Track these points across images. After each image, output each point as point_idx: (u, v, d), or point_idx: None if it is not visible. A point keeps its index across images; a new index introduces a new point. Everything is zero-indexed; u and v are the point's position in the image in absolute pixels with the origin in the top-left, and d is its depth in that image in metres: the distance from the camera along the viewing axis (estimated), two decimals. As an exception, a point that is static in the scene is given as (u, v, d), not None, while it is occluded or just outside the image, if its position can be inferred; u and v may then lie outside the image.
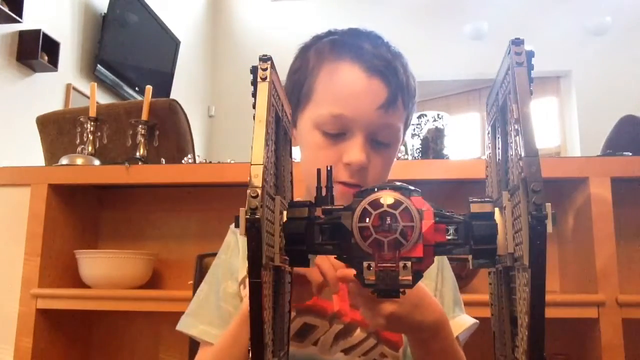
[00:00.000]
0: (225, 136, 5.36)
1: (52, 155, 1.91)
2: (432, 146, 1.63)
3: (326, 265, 0.63)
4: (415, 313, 0.66)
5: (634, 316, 1.33)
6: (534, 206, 0.35)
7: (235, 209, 0.38)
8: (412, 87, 0.81)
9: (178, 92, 4.58)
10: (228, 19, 5.78)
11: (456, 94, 5.66)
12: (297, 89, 0.81)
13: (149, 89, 1.77)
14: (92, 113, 1.73)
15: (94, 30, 3.85)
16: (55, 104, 3.40)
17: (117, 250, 1.57)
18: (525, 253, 0.36)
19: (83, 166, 1.59)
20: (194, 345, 0.96)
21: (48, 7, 3.38)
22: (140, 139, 1.71)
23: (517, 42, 0.41)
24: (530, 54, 0.41)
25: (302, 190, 0.83)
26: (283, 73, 0.78)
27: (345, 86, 0.77)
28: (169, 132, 1.79)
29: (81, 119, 1.75)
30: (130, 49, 4.19)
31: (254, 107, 0.42)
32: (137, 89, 4.16)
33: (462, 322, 0.85)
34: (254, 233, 0.37)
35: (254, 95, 0.42)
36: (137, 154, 1.69)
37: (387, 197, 0.42)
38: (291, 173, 0.56)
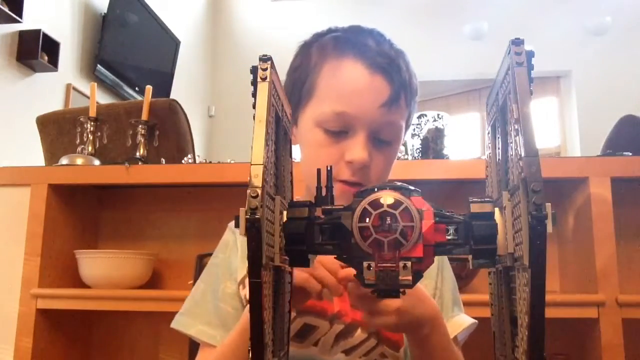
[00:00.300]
0: (225, 136, 5.36)
1: (52, 155, 1.91)
2: (432, 146, 1.63)
3: (322, 272, 0.63)
4: (416, 307, 0.67)
5: (634, 316, 1.33)
6: (534, 206, 0.35)
7: (235, 209, 0.38)
8: (414, 85, 0.81)
9: (178, 92, 4.58)
10: (228, 19, 5.78)
11: (456, 94, 5.66)
12: (298, 86, 0.81)
13: (149, 89, 1.77)
14: (92, 113, 1.73)
15: (94, 30, 3.85)
16: (55, 104, 3.40)
17: (117, 250, 1.57)
18: (525, 253, 0.36)
19: (83, 166, 1.59)
20: (193, 345, 0.96)
21: (48, 7, 3.38)
22: (140, 139, 1.71)
23: (517, 42, 0.41)
24: (530, 54, 0.41)
25: (302, 190, 0.83)
26: (283, 73, 0.78)
27: (348, 83, 0.76)
28: (169, 132, 1.79)
29: (81, 119, 1.75)
30: (130, 49, 4.19)
31: (254, 107, 0.42)
32: (137, 89, 4.16)
33: (461, 322, 0.85)
34: (254, 233, 0.37)
35: (254, 95, 0.42)
36: (137, 154, 1.69)
37: (387, 197, 0.42)
38: (291, 173, 0.56)
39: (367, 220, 0.41)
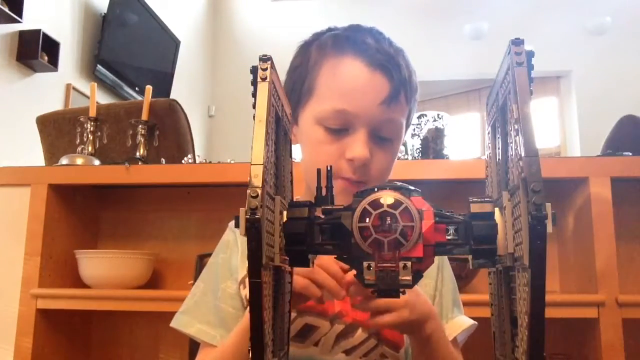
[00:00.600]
0: (225, 136, 5.36)
1: (52, 155, 1.91)
2: (432, 146, 1.63)
3: (322, 276, 0.63)
4: (419, 304, 0.67)
5: (634, 316, 1.33)
6: (534, 206, 0.35)
7: (235, 209, 0.38)
8: (414, 83, 0.81)
9: (178, 92, 4.58)
10: (228, 19, 5.78)
11: (456, 94, 5.66)
12: (298, 85, 0.81)
13: (149, 89, 1.77)
14: (92, 113, 1.73)
15: (94, 30, 3.85)
16: (55, 104, 3.40)
17: (117, 250, 1.57)
18: (525, 253, 0.36)
19: (83, 166, 1.59)
20: (193, 345, 0.96)
21: (48, 7, 3.38)
22: (140, 139, 1.71)
23: (517, 42, 0.41)
24: (530, 54, 0.41)
25: (302, 190, 0.83)
26: (283, 73, 0.78)
27: (348, 81, 0.76)
28: (169, 132, 1.79)
29: (81, 119, 1.75)
30: (130, 49, 4.19)
31: (254, 107, 0.42)
32: (137, 89, 4.16)
33: (460, 323, 0.85)
34: (254, 233, 0.37)
35: (254, 95, 0.42)
36: (137, 154, 1.69)
37: (387, 197, 0.42)
38: (291, 173, 0.56)
39: (367, 220, 0.41)
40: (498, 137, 0.49)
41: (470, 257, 0.43)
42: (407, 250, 0.41)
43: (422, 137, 1.64)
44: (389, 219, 0.41)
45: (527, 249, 0.35)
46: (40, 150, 1.98)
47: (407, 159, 1.62)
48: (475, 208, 0.43)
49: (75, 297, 1.49)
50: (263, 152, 0.39)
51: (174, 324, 0.84)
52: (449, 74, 5.23)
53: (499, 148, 0.49)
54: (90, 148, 1.71)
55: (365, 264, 0.41)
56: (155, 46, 4.55)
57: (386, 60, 0.77)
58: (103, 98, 3.73)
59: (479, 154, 4.82)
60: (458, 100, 5.65)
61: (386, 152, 0.78)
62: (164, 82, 4.61)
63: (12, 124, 3.01)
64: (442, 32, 5.27)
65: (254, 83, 0.43)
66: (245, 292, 0.82)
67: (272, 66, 0.43)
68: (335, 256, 0.44)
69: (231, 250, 0.87)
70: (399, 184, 0.43)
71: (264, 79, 0.42)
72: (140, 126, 1.71)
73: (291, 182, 0.55)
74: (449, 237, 0.42)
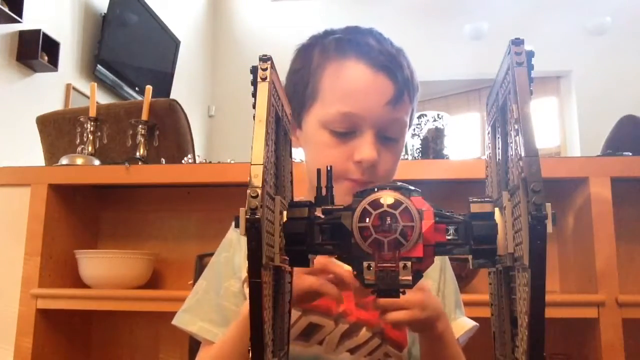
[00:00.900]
0: (225, 136, 5.36)
1: (52, 155, 1.91)
2: (432, 146, 1.63)
3: (329, 287, 0.64)
4: (432, 300, 0.68)
5: (634, 316, 1.33)
6: (534, 206, 0.35)
7: (235, 209, 0.38)
8: (415, 82, 0.82)
9: (178, 92, 4.58)
10: (228, 19, 5.78)
11: (456, 94, 5.66)
12: (300, 89, 0.81)
13: (149, 89, 1.77)
14: (92, 113, 1.73)
15: (94, 30, 3.85)
16: (55, 104, 3.40)
17: (117, 250, 1.57)
18: (525, 253, 0.36)
19: (83, 166, 1.59)
20: (194, 345, 0.96)
21: (48, 7, 3.38)
22: (140, 139, 1.71)
23: (517, 42, 0.41)
24: (530, 54, 0.41)
25: (305, 190, 0.83)
26: (283, 73, 0.78)
27: (352, 84, 0.77)
28: (169, 132, 1.79)
29: (81, 119, 1.75)
30: (130, 49, 4.19)
31: (254, 107, 0.42)
32: (137, 89, 4.16)
33: (463, 324, 0.85)
34: (254, 233, 0.37)
35: (254, 95, 0.42)
36: (137, 154, 1.69)
37: (387, 197, 0.42)
38: (291, 173, 0.56)
39: (367, 220, 0.41)
40: (498, 137, 0.49)
41: (470, 257, 0.43)
42: (407, 250, 0.41)
43: (422, 137, 1.64)
44: (389, 219, 0.41)
45: (527, 249, 0.35)
46: (40, 150, 1.98)
47: (407, 159, 1.62)
48: (475, 208, 0.43)
49: (75, 297, 1.49)
50: (263, 152, 0.39)
51: (175, 322, 0.84)
52: (449, 74, 5.23)
53: (499, 148, 0.49)
54: (90, 148, 1.71)
55: (365, 264, 0.41)
56: (155, 46, 4.55)
57: (389, 61, 0.77)
58: (103, 98, 3.73)
59: (479, 154, 4.82)
60: (458, 100, 5.65)
61: (392, 151, 0.79)
62: (164, 82, 4.61)
63: (12, 124, 3.01)
64: (442, 32, 5.27)
65: (254, 83, 0.43)
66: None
67: (272, 66, 0.43)
68: (335, 256, 0.44)
69: (234, 249, 0.87)
70: (399, 184, 0.43)
71: (264, 79, 0.42)
72: (140, 126, 1.71)
73: (291, 182, 0.55)
74: (449, 237, 0.42)
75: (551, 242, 1.55)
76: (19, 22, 3.01)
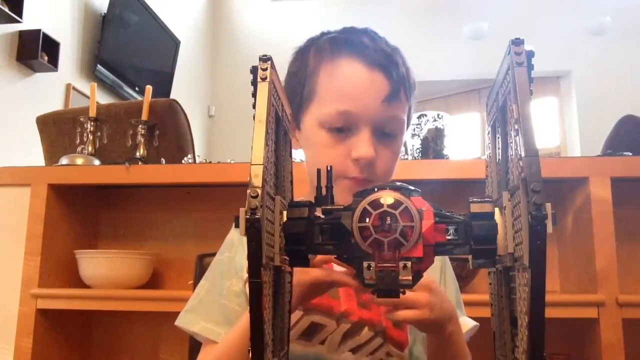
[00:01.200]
0: (225, 136, 5.36)
1: (52, 155, 1.91)
2: (432, 146, 1.63)
3: (336, 275, 0.64)
4: (444, 302, 0.68)
5: (634, 316, 1.33)
6: (534, 206, 0.35)
7: (235, 209, 0.38)
8: (412, 79, 0.82)
9: (178, 92, 4.58)
10: (228, 19, 5.78)
11: (456, 94, 5.65)
12: (298, 90, 0.82)
13: (149, 89, 1.77)
14: (92, 113, 1.73)
15: (94, 30, 3.85)
16: (55, 104, 3.40)
17: (117, 250, 1.57)
18: (525, 253, 0.35)
19: (83, 166, 1.59)
20: (194, 345, 0.96)
21: (48, 7, 3.38)
22: (140, 139, 1.71)
23: (517, 42, 0.41)
24: (530, 54, 0.41)
25: (305, 190, 0.83)
26: (283, 73, 0.78)
27: (348, 82, 0.77)
28: (169, 132, 1.79)
29: (81, 119, 1.75)
30: (130, 49, 4.19)
31: (254, 107, 0.41)
32: (137, 89, 4.16)
33: (463, 324, 0.85)
34: (253, 233, 0.37)
35: (254, 95, 0.42)
36: (137, 154, 1.69)
37: (387, 197, 0.42)
38: (291, 173, 0.56)
39: (367, 220, 0.41)
40: (498, 137, 0.49)
41: (470, 257, 0.43)
42: (407, 250, 0.41)
43: (422, 137, 1.64)
44: (389, 219, 0.41)
45: (527, 249, 0.35)
46: (40, 150, 1.98)
47: (407, 159, 1.62)
48: (475, 208, 0.43)
49: (75, 297, 1.49)
50: (263, 152, 0.39)
51: (178, 322, 0.84)
52: (449, 74, 5.23)
53: (499, 148, 0.49)
54: (90, 148, 1.71)
55: (365, 264, 0.41)
56: (155, 46, 4.55)
57: (384, 59, 0.77)
58: (103, 98, 3.73)
59: (479, 154, 4.82)
60: (458, 100, 5.65)
61: (390, 149, 0.79)
62: (164, 82, 4.61)
63: (12, 124, 3.01)
64: (442, 32, 5.27)
65: (254, 83, 0.43)
66: None
67: (272, 66, 0.43)
68: (335, 256, 0.44)
69: (236, 248, 0.87)
70: (399, 184, 0.43)
71: (264, 79, 0.42)
72: (140, 126, 1.71)
73: (291, 182, 0.55)
74: (449, 237, 0.42)
75: (551, 242, 1.55)
76: (19, 22, 3.01)
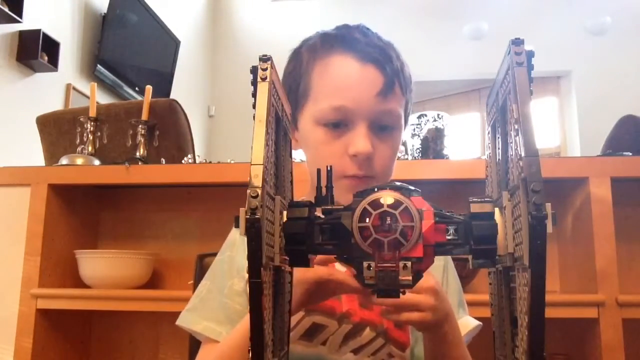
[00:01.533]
0: (225, 136, 5.36)
1: (52, 155, 1.91)
2: (432, 146, 1.63)
3: (339, 274, 0.64)
4: (444, 302, 0.68)
5: (634, 316, 1.33)
6: (534, 206, 0.35)
7: (235, 209, 0.38)
8: (407, 73, 0.81)
9: (178, 92, 4.58)
10: (228, 19, 5.78)
11: (456, 94, 5.65)
12: (293, 90, 0.81)
13: (149, 89, 1.77)
14: (92, 113, 1.73)
15: (94, 30, 3.85)
16: (55, 104, 3.40)
17: (117, 250, 1.57)
18: (525, 253, 0.35)
19: (83, 166, 1.59)
20: (194, 345, 0.96)
21: (48, 7, 3.38)
22: (140, 139, 1.71)
23: (517, 42, 0.41)
24: (530, 54, 0.41)
25: (306, 190, 0.83)
26: (283, 73, 0.78)
27: (341, 77, 0.77)
28: (169, 132, 1.79)
29: (81, 119, 1.75)
30: (130, 49, 4.19)
31: (254, 107, 0.41)
32: (137, 89, 4.16)
33: (466, 324, 0.85)
34: (253, 233, 0.37)
35: (254, 95, 0.42)
36: (137, 154, 1.69)
37: (387, 197, 0.42)
38: (291, 173, 0.56)
39: (367, 220, 0.41)
40: (498, 137, 0.49)
41: (470, 257, 0.43)
42: (407, 250, 0.41)
43: (422, 137, 1.64)
44: (389, 219, 0.41)
45: (527, 249, 0.35)
46: (40, 150, 1.98)
47: (407, 159, 1.62)
48: (475, 208, 0.42)
49: (75, 297, 1.49)
50: (263, 152, 0.39)
51: (180, 322, 0.84)
52: (449, 74, 5.23)
53: (499, 148, 0.49)
54: (90, 148, 1.71)
55: (365, 264, 0.41)
56: (155, 46, 4.55)
57: (376, 52, 0.77)
58: (103, 98, 3.73)
59: (479, 154, 4.82)
60: (458, 100, 5.65)
61: (388, 144, 0.78)
62: (164, 82, 4.61)
63: (12, 124, 3.01)
64: (442, 32, 5.27)
65: (254, 83, 0.43)
66: None
67: (272, 66, 0.43)
68: (335, 256, 0.44)
69: (237, 248, 0.87)
70: (399, 184, 0.43)
71: (264, 79, 0.42)
72: (140, 126, 1.72)
73: (291, 182, 0.55)
74: (449, 237, 0.42)
75: (551, 242, 1.55)
76: (19, 22, 3.01)
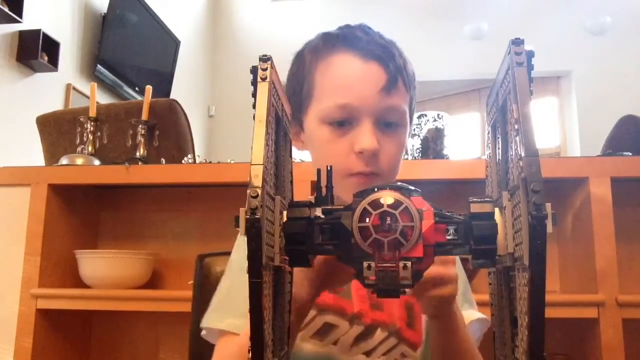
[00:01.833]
0: (225, 136, 5.36)
1: (52, 155, 1.91)
2: (432, 146, 1.63)
3: None
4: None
5: (634, 316, 1.33)
6: (534, 206, 0.35)
7: (235, 209, 0.38)
8: (410, 70, 0.81)
9: (178, 92, 4.58)
10: (228, 19, 5.78)
11: (456, 94, 5.65)
12: (297, 91, 0.82)
13: (149, 89, 1.77)
14: (92, 113, 1.74)
15: (94, 30, 3.85)
16: (55, 104, 3.40)
17: (117, 250, 1.57)
18: (525, 253, 0.35)
19: (83, 166, 1.59)
20: (194, 345, 0.96)
21: (48, 7, 3.38)
22: (140, 139, 1.71)
23: (517, 42, 0.41)
24: (530, 54, 0.41)
25: (305, 190, 0.83)
26: (283, 73, 0.78)
27: (344, 75, 0.77)
28: (169, 132, 1.79)
29: (81, 119, 1.75)
30: (130, 49, 4.19)
31: (254, 107, 0.41)
32: (137, 89, 4.16)
33: (468, 315, 0.84)
34: (254, 233, 0.37)
35: (254, 95, 0.42)
36: (137, 154, 1.69)
37: (387, 197, 0.42)
38: (291, 173, 0.56)
39: (367, 220, 0.41)
40: (498, 137, 0.49)
41: (470, 257, 0.43)
42: (407, 250, 0.41)
43: (422, 137, 1.65)
44: (389, 219, 0.41)
45: (527, 249, 0.35)
46: (40, 150, 1.98)
47: (407, 159, 1.62)
48: (475, 208, 0.42)
49: (75, 297, 1.49)
50: (263, 152, 0.39)
51: (204, 323, 0.80)
52: (449, 74, 5.23)
53: (499, 148, 0.49)
54: (90, 148, 1.71)
55: (365, 264, 0.41)
56: (155, 46, 4.55)
57: (378, 50, 0.77)
58: (103, 98, 3.73)
59: (479, 154, 4.82)
60: (458, 100, 5.65)
61: (394, 140, 0.78)
62: (164, 82, 4.61)
63: (12, 124, 3.02)
64: (442, 32, 5.27)
65: (254, 83, 0.43)
66: None
67: (272, 66, 0.43)
68: (335, 256, 0.44)
69: None
70: (399, 184, 0.43)
71: (264, 79, 0.42)
72: (140, 126, 1.72)
73: (291, 182, 0.55)
74: (449, 237, 0.42)
75: (551, 242, 1.56)
76: (19, 22, 3.01)
